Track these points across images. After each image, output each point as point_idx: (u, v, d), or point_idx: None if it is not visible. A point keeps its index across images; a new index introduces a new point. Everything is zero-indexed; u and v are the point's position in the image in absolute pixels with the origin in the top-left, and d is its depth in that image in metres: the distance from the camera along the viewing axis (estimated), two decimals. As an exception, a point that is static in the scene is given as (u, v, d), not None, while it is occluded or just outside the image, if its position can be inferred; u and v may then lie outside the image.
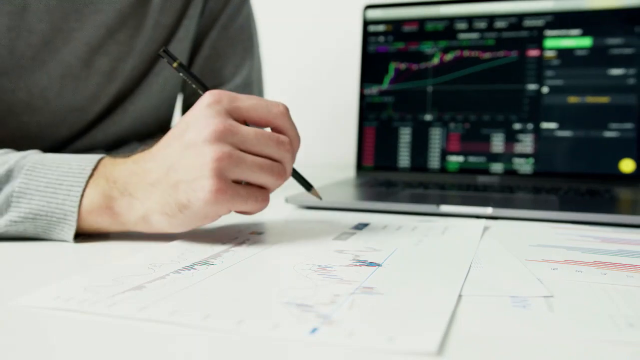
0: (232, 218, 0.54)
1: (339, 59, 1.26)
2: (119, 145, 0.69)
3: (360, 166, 0.92)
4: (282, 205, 0.63)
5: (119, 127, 0.68)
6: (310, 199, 0.62)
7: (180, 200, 0.40)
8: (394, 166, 0.90)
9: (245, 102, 0.42)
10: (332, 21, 1.27)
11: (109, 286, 0.31)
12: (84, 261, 0.39)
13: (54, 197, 0.41)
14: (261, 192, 0.43)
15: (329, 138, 1.31)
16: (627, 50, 0.81)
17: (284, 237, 0.45)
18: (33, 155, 0.44)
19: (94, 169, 0.42)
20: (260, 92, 0.81)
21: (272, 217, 0.56)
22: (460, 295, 0.30)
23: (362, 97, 0.93)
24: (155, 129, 0.74)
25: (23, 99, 0.60)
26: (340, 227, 0.50)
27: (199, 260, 0.37)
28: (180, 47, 0.71)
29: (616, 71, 0.81)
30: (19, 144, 0.62)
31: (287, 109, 0.43)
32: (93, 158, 0.43)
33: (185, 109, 0.80)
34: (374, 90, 0.92)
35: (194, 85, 0.47)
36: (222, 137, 0.39)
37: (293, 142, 0.44)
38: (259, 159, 0.41)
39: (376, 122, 0.92)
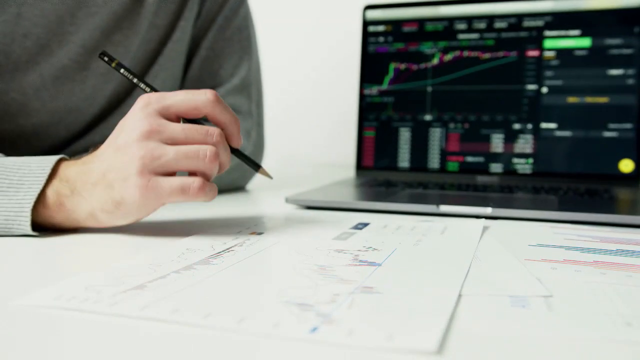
0: (232, 218, 0.54)
1: (339, 60, 1.26)
2: None
3: (360, 166, 0.92)
4: (282, 205, 0.63)
5: None
6: (311, 198, 0.62)
7: (115, 197, 0.43)
8: (393, 166, 0.90)
9: (172, 98, 0.44)
10: (332, 22, 1.27)
11: (110, 286, 0.31)
12: (85, 261, 0.39)
13: (15, 195, 0.44)
14: (195, 180, 0.43)
15: (329, 138, 1.31)
16: (626, 51, 0.81)
17: (284, 237, 0.45)
18: None
19: (53, 169, 0.45)
20: (259, 93, 0.81)
21: (272, 217, 0.56)
22: (459, 295, 0.30)
23: (362, 97, 0.93)
24: None
25: (17, 99, 0.61)
26: (340, 227, 0.50)
27: (199, 260, 0.37)
28: (177, 48, 0.71)
29: (615, 71, 0.81)
30: (17, 146, 0.63)
31: (215, 95, 0.45)
32: (52, 159, 0.46)
33: None
34: (373, 90, 0.92)
35: (140, 85, 0.49)
36: (149, 135, 0.43)
37: (227, 127, 0.46)
38: (183, 147, 0.43)
39: (376, 122, 0.92)
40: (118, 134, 0.44)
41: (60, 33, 0.60)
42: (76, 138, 0.67)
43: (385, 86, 0.92)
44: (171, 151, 0.43)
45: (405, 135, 0.90)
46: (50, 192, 0.44)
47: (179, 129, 0.44)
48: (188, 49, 0.74)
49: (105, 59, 0.49)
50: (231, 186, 0.76)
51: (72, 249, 0.42)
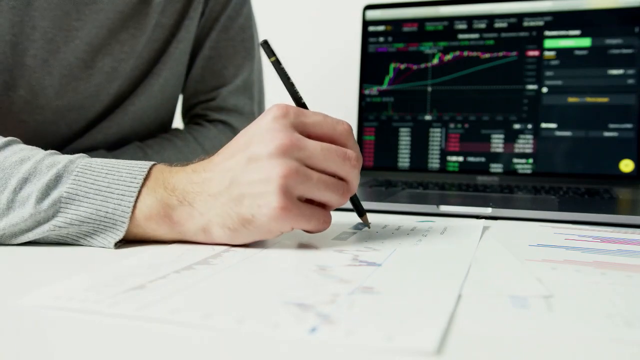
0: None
1: (338, 60, 1.26)
2: (119, 145, 0.69)
3: (360, 166, 0.92)
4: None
5: (119, 127, 0.68)
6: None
7: (243, 214, 0.39)
8: (394, 166, 0.90)
9: (311, 117, 0.41)
10: (332, 22, 1.27)
11: (110, 286, 0.31)
12: (85, 261, 0.39)
13: (103, 204, 0.40)
14: (324, 212, 0.41)
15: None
16: (626, 51, 0.81)
17: (284, 237, 0.45)
18: (81, 160, 0.42)
19: (147, 177, 0.41)
20: (260, 93, 0.81)
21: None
22: (459, 295, 0.30)
23: (362, 97, 0.93)
24: (155, 130, 0.74)
25: (24, 96, 0.60)
26: (340, 227, 0.50)
27: (199, 260, 0.37)
28: (181, 47, 0.71)
29: (615, 71, 0.81)
30: None
31: (351, 128, 0.43)
32: (144, 165, 0.42)
33: (186, 109, 0.80)
34: (373, 90, 0.92)
35: (295, 91, 0.47)
36: (288, 151, 0.38)
37: (358, 161, 0.42)
38: (325, 177, 0.40)
39: (376, 122, 0.92)
40: (248, 144, 0.40)
41: (66, 28, 0.60)
42: (78, 136, 0.67)
43: (385, 86, 0.92)
44: (315, 176, 0.39)
45: (405, 135, 0.90)
46: (153, 201, 0.40)
47: (319, 149, 0.39)
48: (192, 48, 0.74)
49: (268, 47, 0.46)
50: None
51: (72, 248, 0.42)
